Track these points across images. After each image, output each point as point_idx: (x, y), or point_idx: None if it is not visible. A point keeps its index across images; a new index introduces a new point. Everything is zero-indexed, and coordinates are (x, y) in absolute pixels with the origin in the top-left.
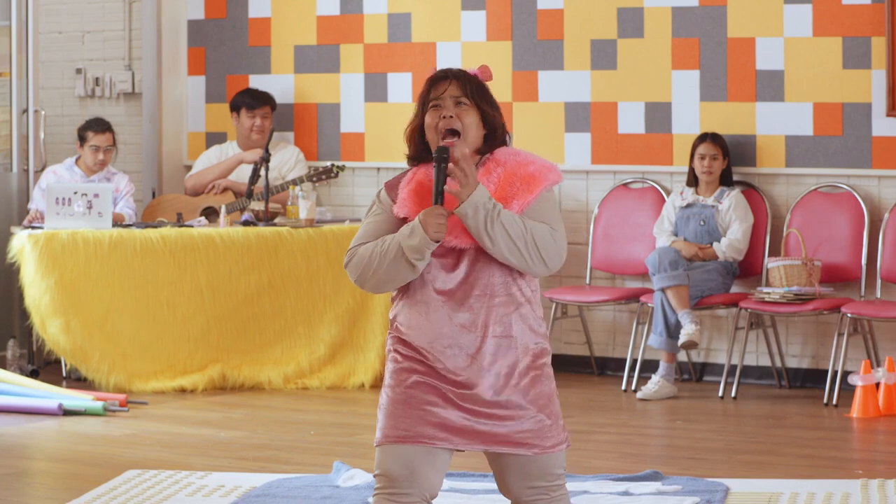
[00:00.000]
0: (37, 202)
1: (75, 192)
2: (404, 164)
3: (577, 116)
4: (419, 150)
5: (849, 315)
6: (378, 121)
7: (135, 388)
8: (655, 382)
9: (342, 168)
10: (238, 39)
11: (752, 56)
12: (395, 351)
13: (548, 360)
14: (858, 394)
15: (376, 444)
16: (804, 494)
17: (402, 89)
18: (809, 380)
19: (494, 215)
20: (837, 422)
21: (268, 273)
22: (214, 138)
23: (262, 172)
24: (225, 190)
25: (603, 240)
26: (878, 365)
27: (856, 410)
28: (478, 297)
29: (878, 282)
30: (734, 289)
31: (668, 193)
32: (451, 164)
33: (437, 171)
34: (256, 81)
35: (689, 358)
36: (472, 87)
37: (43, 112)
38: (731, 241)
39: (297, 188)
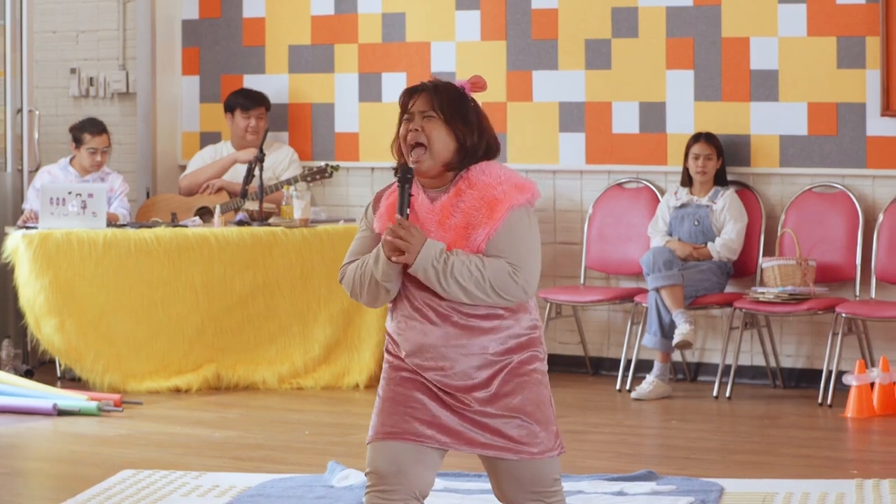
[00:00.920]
0: (31, 202)
1: (69, 192)
2: None
3: (572, 116)
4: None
5: (843, 315)
6: (372, 121)
7: (129, 388)
8: (650, 382)
9: (336, 168)
10: (232, 39)
11: (747, 56)
12: (387, 351)
13: (539, 366)
14: (853, 394)
15: (367, 441)
16: (799, 494)
17: (397, 89)
18: (804, 380)
19: (447, 272)
20: (832, 422)
21: (262, 273)
22: (209, 138)
23: (257, 172)
24: (219, 190)
25: (597, 240)
26: (873, 365)
27: (850, 410)
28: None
29: (873, 282)
30: (728, 289)
31: (663, 193)
32: (387, 238)
33: (400, 191)
34: (251, 81)
35: (683, 358)
36: (441, 100)
37: (37, 112)
38: (726, 241)
39: (292, 188)
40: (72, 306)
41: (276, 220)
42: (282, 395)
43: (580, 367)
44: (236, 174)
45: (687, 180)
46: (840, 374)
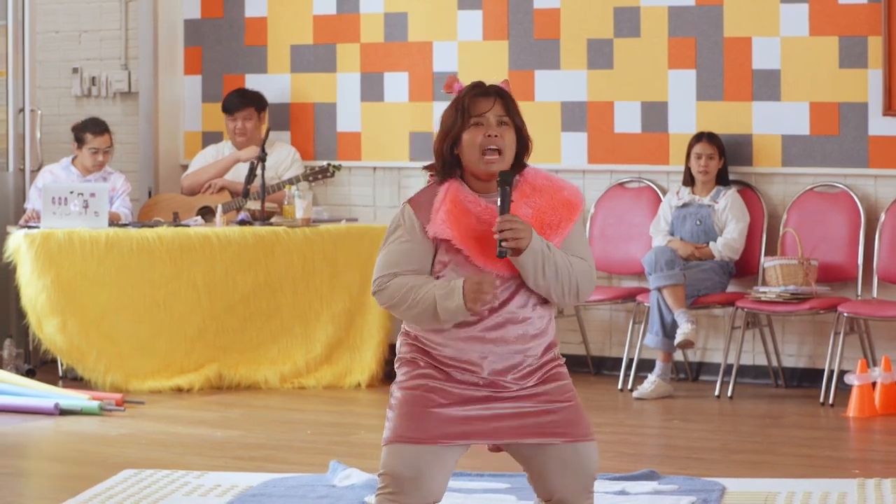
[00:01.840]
0: (33, 202)
1: (71, 192)
2: (400, 163)
3: (574, 116)
4: (448, 164)
5: (845, 314)
6: (374, 120)
7: (131, 387)
8: (652, 382)
9: (338, 167)
10: (234, 39)
11: (749, 55)
12: (415, 350)
13: (562, 360)
14: (855, 393)
15: (384, 443)
16: (800, 494)
17: (399, 89)
18: (806, 379)
19: (551, 259)
20: (834, 421)
21: (264, 272)
22: (211, 138)
23: (259, 172)
24: (221, 189)
25: (599, 239)
26: (875, 364)
27: (852, 410)
28: (501, 325)
29: (875, 281)
30: (730, 288)
31: (665, 193)
32: (499, 225)
33: (503, 193)
34: (253, 81)
35: (685, 357)
36: (512, 106)
37: (39, 111)
38: (728, 241)
39: (294, 187)
40: (74, 306)
41: (278, 220)
42: (283, 394)
43: (582, 367)
44: (238, 174)
45: (689, 180)
46: (842, 373)
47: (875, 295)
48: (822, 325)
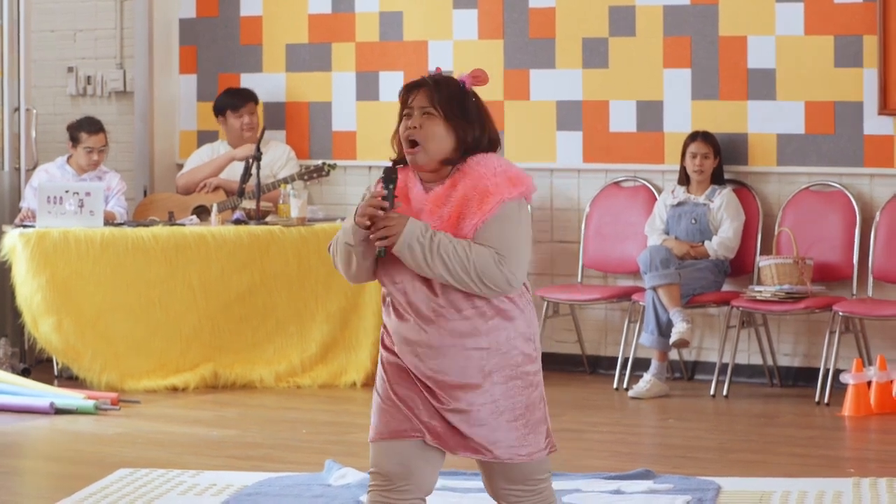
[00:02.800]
0: (28, 201)
1: (67, 191)
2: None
3: (569, 115)
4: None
5: (840, 313)
6: (369, 119)
7: (127, 386)
8: (647, 381)
9: (333, 166)
10: (230, 38)
11: (744, 54)
12: (384, 346)
13: (530, 367)
14: (850, 392)
15: (370, 440)
16: (796, 493)
17: (394, 88)
18: (801, 378)
19: (433, 248)
20: (829, 420)
21: (259, 272)
22: (206, 137)
23: (254, 171)
24: (216, 188)
25: (594, 238)
26: (870, 363)
27: (847, 409)
28: (441, 311)
29: (870, 280)
30: (726, 287)
31: (660, 192)
32: (360, 218)
33: (385, 189)
34: (248, 80)
35: (680, 356)
36: (441, 95)
37: (34, 111)
38: (723, 240)
39: (289, 186)
40: (69, 305)
41: (273, 219)
42: (279, 393)
43: (577, 366)
44: (233, 172)
45: (684, 179)
46: (837, 372)
47: (870, 294)
48: (817, 325)
